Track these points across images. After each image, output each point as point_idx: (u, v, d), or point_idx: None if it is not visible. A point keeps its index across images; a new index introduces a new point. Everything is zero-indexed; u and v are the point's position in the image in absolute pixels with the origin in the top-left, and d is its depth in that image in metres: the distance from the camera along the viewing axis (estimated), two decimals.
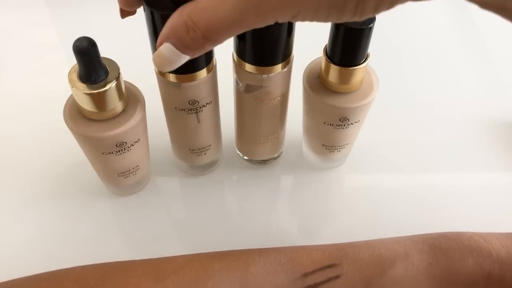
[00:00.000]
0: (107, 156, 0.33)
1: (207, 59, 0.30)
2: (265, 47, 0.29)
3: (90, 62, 0.27)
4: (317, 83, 0.34)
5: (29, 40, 0.52)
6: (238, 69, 0.32)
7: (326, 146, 0.38)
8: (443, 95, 0.48)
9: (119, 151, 0.33)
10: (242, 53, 0.30)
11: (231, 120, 0.38)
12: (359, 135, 0.38)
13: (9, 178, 0.40)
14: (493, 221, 0.38)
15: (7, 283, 0.30)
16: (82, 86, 0.28)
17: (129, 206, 0.39)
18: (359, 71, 0.32)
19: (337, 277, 0.29)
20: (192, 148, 0.37)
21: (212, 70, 0.31)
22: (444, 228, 0.32)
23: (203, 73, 0.30)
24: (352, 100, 0.33)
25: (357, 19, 0.20)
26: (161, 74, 0.30)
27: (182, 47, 0.22)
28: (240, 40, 0.30)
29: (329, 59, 0.32)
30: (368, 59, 0.32)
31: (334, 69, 0.32)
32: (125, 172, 0.36)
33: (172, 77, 0.30)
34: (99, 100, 0.29)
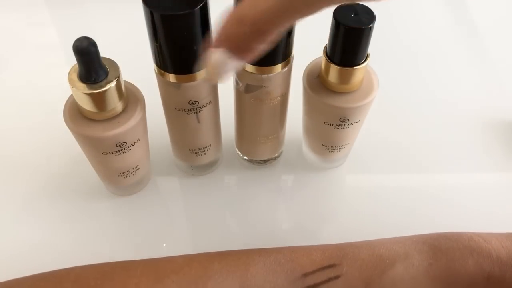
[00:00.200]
0: (107, 156, 0.33)
1: None
2: None
3: (90, 62, 0.27)
4: (317, 83, 0.34)
5: (29, 40, 0.52)
6: (238, 69, 0.32)
7: (326, 146, 0.38)
8: (443, 95, 0.48)
9: (119, 151, 0.33)
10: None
11: (231, 120, 0.38)
12: (359, 135, 0.38)
13: (8, 178, 0.40)
14: (493, 221, 0.38)
15: (5, 283, 0.29)
16: (82, 86, 0.28)
17: (129, 206, 0.39)
18: (359, 71, 0.32)
19: (337, 277, 0.29)
20: (192, 148, 0.37)
21: None
22: (444, 228, 0.32)
23: (203, 73, 0.30)
24: (352, 100, 0.33)
25: None
26: (161, 74, 0.30)
27: (233, 50, 0.21)
28: None
29: (329, 59, 0.32)
30: (368, 59, 0.32)
31: (334, 69, 0.32)
32: (125, 172, 0.36)
33: (172, 77, 0.30)
34: (99, 100, 0.29)
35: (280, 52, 0.30)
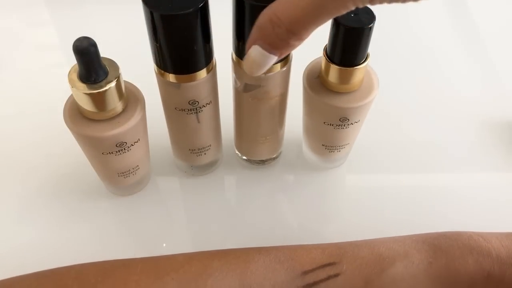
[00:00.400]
0: (107, 156, 0.33)
1: (207, 59, 0.30)
2: None
3: (90, 62, 0.28)
4: (317, 83, 0.34)
5: (29, 40, 0.52)
6: (237, 68, 0.32)
7: (326, 146, 0.38)
8: (443, 95, 0.48)
9: (119, 151, 0.33)
10: (240, 51, 0.30)
11: (231, 120, 0.38)
12: (359, 135, 0.38)
13: (9, 178, 0.40)
14: (493, 221, 0.38)
15: (7, 280, 0.30)
16: (82, 86, 0.28)
17: (129, 206, 0.39)
18: (359, 71, 0.32)
19: (336, 275, 0.29)
20: (192, 148, 0.37)
21: (212, 70, 0.31)
22: (444, 227, 0.32)
23: (203, 73, 0.30)
24: (352, 100, 0.33)
25: None
26: (161, 74, 0.31)
27: (269, 46, 0.23)
28: (239, 38, 0.30)
29: (329, 59, 0.32)
30: (368, 59, 0.32)
31: (334, 69, 0.32)
32: (125, 172, 0.36)
33: (172, 77, 0.30)
34: (99, 100, 0.29)
35: None
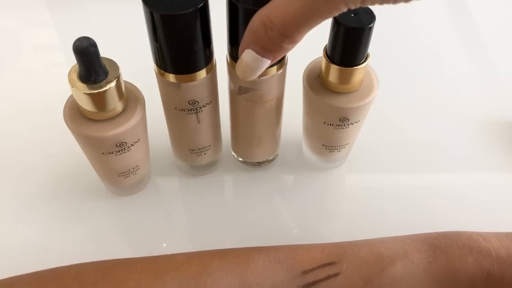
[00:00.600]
0: (107, 156, 0.33)
1: (207, 59, 0.30)
2: None
3: (90, 62, 0.28)
4: (317, 83, 0.34)
5: (29, 40, 0.52)
6: (231, 70, 0.31)
7: (326, 146, 0.38)
8: (443, 95, 0.48)
9: (119, 151, 0.33)
10: (234, 55, 0.30)
11: None
12: (359, 135, 0.38)
13: (8, 178, 0.40)
14: (493, 221, 0.38)
15: (7, 280, 0.30)
16: (82, 86, 0.28)
17: (129, 206, 0.39)
18: (359, 71, 0.32)
19: (336, 274, 0.29)
20: (192, 148, 0.37)
21: (212, 70, 0.31)
22: (443, 227, 0.32)
23: (203, 73, 0.30)
24: (352, 100, 0.33)
25: None
26: (161, 74, 0.31)
27: (262, 50, 0.23)
28: (232, 41, 0.29)
29: (329, 59, 0.32)
30: (368, 59, 0.32)
31: (334, 69, 0.32)
32: (125, 172, 0.36)
33: (172, 77, 0.30)
34: (99, 100, 0.29)
35: None
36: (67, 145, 0.37)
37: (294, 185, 0.42)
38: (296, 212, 0.40)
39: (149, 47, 0.29)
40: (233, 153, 0.41)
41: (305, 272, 0.29)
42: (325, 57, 0.32)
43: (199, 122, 0.34)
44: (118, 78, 0.29)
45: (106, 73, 0.29)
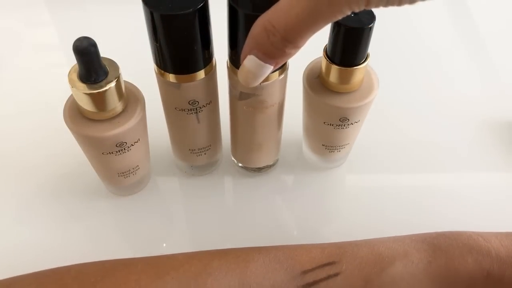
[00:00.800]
0: (107, 156, 0.33)
1: (207, 59, 0.30)
2: None
3: (90, 62, 0.28)
4: (317, 83, 0.34)
5: (29, 40, 0.52)
6: (231, 75, 0.31)
7: (326, 146, 0.38)
8: (443, 95, 0.48)
9: (119, 151, 0.33)
10: (235, 60, 0.30)
11: None
12: (359, 135, 0.38)
13: (9, 178, 0.40)
14: (493, 221, 0.38)
15: (7, 280, 0.30)
16: (82, 86, 0.28)
17: (129, 206, 0.39)
18: (359, 71, 0.32)
19: (336, 274, 0.29)
20: (192, 148, 0.37)
21: (212, 71, 0.31)
22: (443, 227, 0.32)
23: (203, 73, 0.30)
24: (352, 100, 0.33)
25: None
26: (161, 74, 0.31)
27: (264, 56, 0.22)
28: (233, 47, 0.29)
29: (329, 59, 0.32)
30: (368, 59, 0.32)
31: (334, 69, 0.32)
32: (125, 172, 0.36)
33: (172, 77, 0.30)
34: (99, 100, 0.29)
35: None
36: (67, 145, 0.37)
37: (294, 185, 0.42)
38: (296, 212, 0.40)
39: (149, 47, 0.29)
40: (233, 158, 0.41)
41: (305, 272, 0.29)
42: (325, 57, 0.32)
43: (199, 122, 0.34)
44: (118, 78, 0.29)
45: (106, 73, 0.29)
